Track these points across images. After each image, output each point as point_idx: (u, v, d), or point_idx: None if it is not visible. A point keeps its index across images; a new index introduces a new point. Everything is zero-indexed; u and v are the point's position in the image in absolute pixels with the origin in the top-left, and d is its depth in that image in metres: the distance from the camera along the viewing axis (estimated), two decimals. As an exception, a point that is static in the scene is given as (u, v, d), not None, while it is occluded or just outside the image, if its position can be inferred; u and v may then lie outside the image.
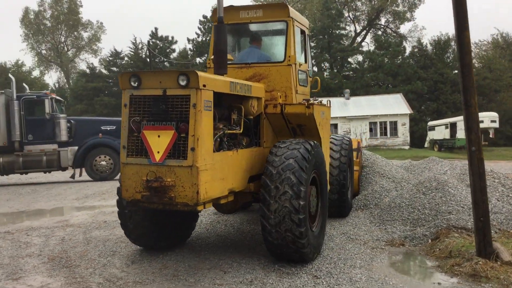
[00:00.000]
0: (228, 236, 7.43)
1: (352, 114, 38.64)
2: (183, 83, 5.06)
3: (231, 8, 7.22)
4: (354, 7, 59.69)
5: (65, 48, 65.48)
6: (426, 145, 42.30)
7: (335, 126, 37.78)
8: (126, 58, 53.76)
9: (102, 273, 5.76)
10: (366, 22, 60.75)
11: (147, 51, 48.38)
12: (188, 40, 54.69)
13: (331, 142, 8.68)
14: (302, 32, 7.61)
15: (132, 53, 53.39)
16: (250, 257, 6.20)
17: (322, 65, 55.93)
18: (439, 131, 39.40)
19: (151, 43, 51.15)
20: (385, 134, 39.59)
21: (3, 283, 5.51)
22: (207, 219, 8.59)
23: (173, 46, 53.33)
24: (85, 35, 65.29)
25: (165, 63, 50.91)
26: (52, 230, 8.34)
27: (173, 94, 5.15)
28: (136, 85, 5.31)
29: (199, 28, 54.28)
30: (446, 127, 37.94)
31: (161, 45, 52.06)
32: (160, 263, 6.08)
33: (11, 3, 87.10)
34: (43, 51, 63.95)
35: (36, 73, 61.85)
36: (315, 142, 6.52)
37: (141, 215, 6.20)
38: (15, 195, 13.78)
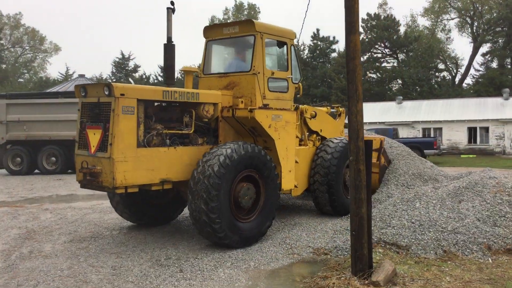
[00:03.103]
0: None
1: (508, 116, 32.89)
2: (107, 92, 6.49)
3: (216, 25, 8.48)
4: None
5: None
6: None
7: (486, 129, 33.01)
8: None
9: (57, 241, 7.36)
10: None
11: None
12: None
13: (326, 144, 9.22)
14: (282, 43, 8.28)
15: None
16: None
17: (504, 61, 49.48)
18: None
19: (311, 44, 52.58)
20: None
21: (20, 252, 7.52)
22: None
23: (334, 46, 52.91)
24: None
25: (327, 65, 51.33)
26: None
27: (102, 101, 6.65)
28: (83, 94, 6.96)
29: (362, 27, 53.60)
30: None
31: (322, 45, 52.58)
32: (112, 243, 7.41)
33: (198, 13, 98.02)
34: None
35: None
36: (253, 144, 7.34)
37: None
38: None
